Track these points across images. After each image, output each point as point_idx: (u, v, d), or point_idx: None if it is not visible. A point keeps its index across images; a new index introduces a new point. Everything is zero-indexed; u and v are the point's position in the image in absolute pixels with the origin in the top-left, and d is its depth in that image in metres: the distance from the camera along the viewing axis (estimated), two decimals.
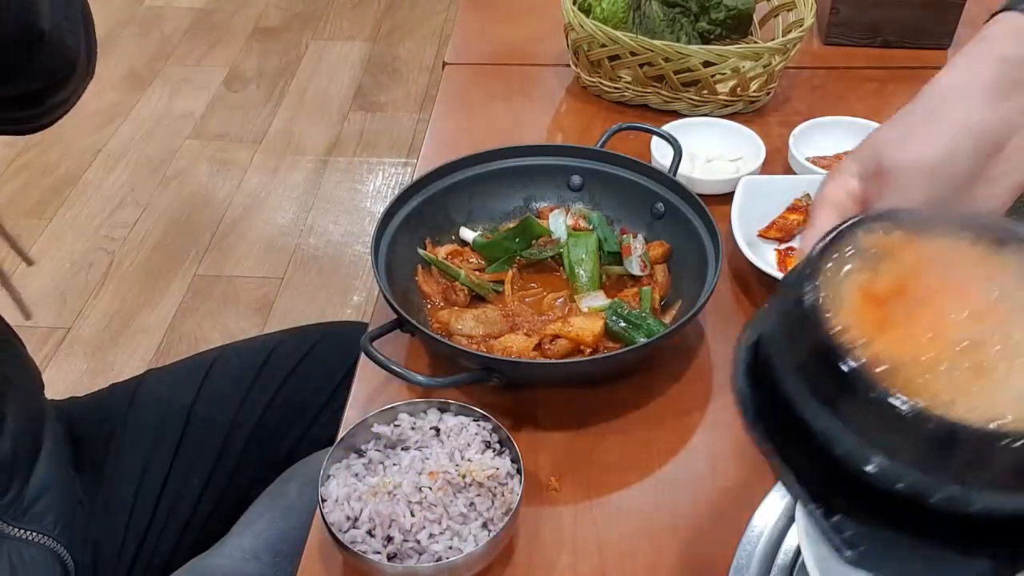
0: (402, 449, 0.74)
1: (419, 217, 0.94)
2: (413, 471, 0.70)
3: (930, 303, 0.46)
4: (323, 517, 0.68)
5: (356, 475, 0.72)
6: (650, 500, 0.75)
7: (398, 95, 2.92)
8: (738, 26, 1.24)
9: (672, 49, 1.09)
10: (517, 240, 0.93)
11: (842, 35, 1.30)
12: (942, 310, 0.45)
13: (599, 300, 0.88)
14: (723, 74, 1.12)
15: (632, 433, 0.80)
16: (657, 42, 1.10)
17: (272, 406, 1.03)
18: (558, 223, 0.95)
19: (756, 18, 1.27)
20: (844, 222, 0.49)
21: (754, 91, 1.15)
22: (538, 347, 0.83)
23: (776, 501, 0.71)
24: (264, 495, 0.95)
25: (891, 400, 0.40)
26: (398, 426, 0.74)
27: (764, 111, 1.18)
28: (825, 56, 1.30)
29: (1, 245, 0.86)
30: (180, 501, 0.97)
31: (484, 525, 0.68)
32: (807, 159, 1.06)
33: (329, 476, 0.72)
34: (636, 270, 0.91)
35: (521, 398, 0.83)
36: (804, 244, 0.54)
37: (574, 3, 1.17)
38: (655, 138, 1.05)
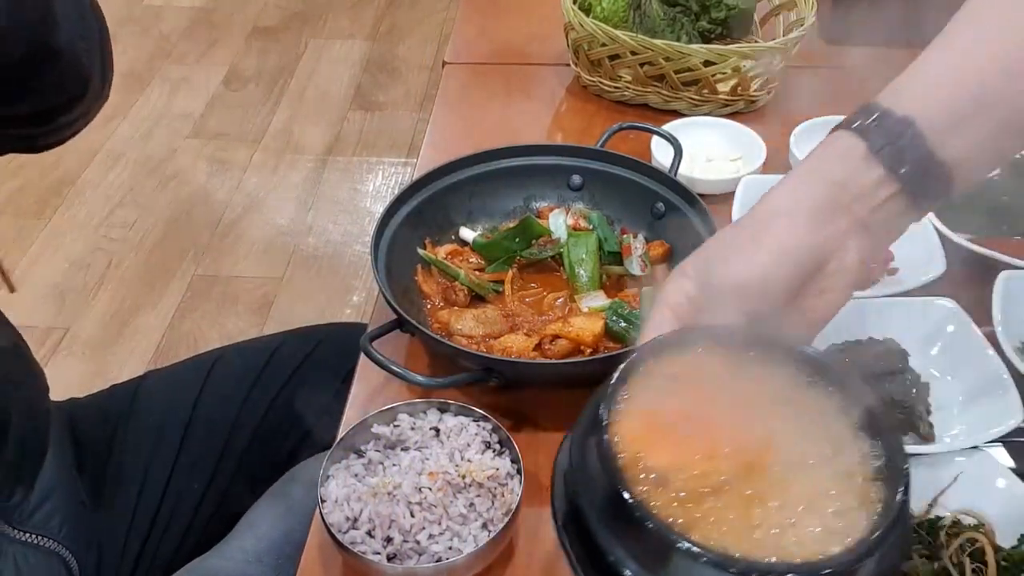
0: (402, 449, 0.73)
1: (419, 217, 0.93)
2: (413, 472, 0.70)
3: (704, 428, 0.53)
4: (323, 518, 0.68)
5: (356, 476, 0.71)
6: None
7: (398, 94, 2.92)
8: (739, 25, 1.24)
9: (672, 48, 1.09)
10: (517, 240, 0.93)
11: (843, 34, 1.30)
12: (711, 437, 0.52)
13: (599, 300, 0.88)
14: (723, 73, 1.12)
15: None
16: (657, 41, 1.10)
17: (274, 407, 1.03)
18: (558, 223, 0.94)
19: (757, 17, 1.27)
20: (641, 346, 0.56)
21: (755, 91, 1.15)
22: (538, 347, 0.83)
23: None
24: (266, 496, 0.95)
25: (650, 526, 0.47)
26: (398, 426, 0.74)
27: (764, 111, 1.18)
28: (826, 56, 1.29)
29: None
30: (182, 502, 0.97)
31: (484, 525, 0.68)
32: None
33: (329, 477, 0.72)
34: (636, 270, 0.91)
35: (521, 398, 0.83)
36: (640, 340, 0.59)
37: (574, 2, 1.17)
38: (655, 138, 1.05)
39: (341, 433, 0.76)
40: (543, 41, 1.31)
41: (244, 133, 2.74)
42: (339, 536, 0.67)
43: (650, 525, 0.47)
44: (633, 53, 1.11)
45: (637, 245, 0.92)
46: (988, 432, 0.73)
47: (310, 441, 1.02)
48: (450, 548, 0.67)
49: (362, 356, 0.81)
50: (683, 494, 0.49)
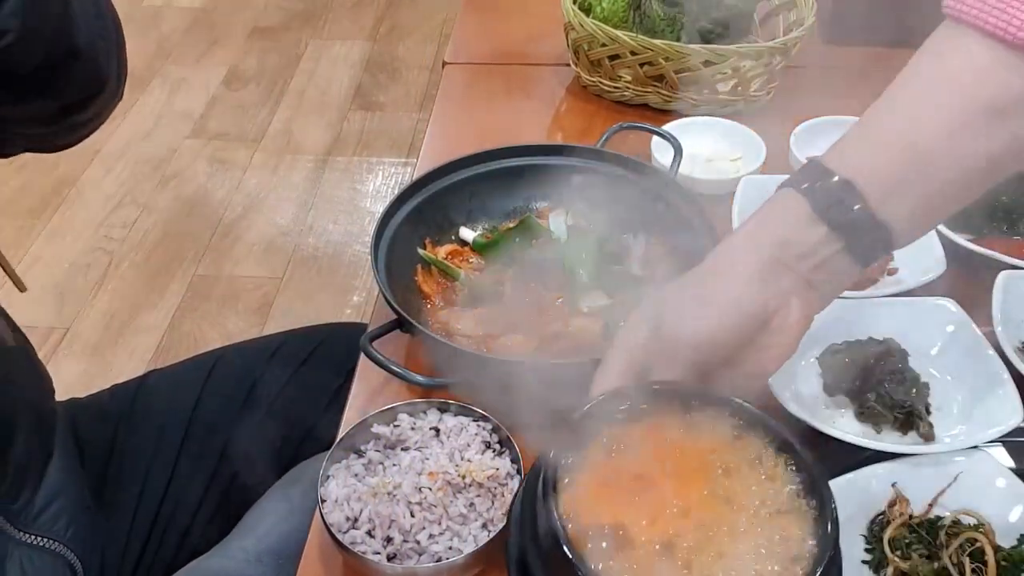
0: (402, 449, 0.73)
1: (419, 217, 0.93)
2: (413, 471, 0.70)
3: (651, 488, 0.56)
4: (323, 518, 0.68)
5: (356, 476, 0.71)
6: None
7: (398, 95, 2.92)
8: (739, 25, 1.24)
9: (672, 48, 1.09)
10: (517, 240, 0.93)
11: (843, 34, 1.30)
12: (659, 498, 0.55)
13: (599, 300, 0.88)
14: (723, 73, 1.12)
15: None
16: (657, 41, 1.10)
17: (275, 407, 1.03)
18: (558, 223, 0.94)
19: (757, 17, 1.27)
20: (588, 404, 0.59)
21: (754, 91, 1.15)
22: (538, 346, 0.83)
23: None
24: (267, 496, 0.95)
25: None
26: (398, 426, 0.74)
27: (764, 111, 1.18)
28: (826, 56, 1.29)
29: None
30: (183, 502, 0.97)
31: (484, 525, 0.68)
32: (808, 159, 1.05)
33: (329, 477, 0.72)
34: (636, 270, 0.91)
35: (522, 398, 0.82)
36: (595, 384, 0.62)
37: (574, 2, 1.17)
38: (655, 138, 1.05)
39: (341, 433, 0.76)
40: (543, 41, 1.31)
41: (244, 133, 2.74)
42: (339, 536, 0.67)
43: None
44: (633, 53, 1.11)
45: (637, 245, 0.92)
46: (988, 432, 0.73)
47: (310, 441, 1.02)
48: (450, 548, 0.67)
49: (362, 356, 0.81)
50: (629, 552, 0.52)
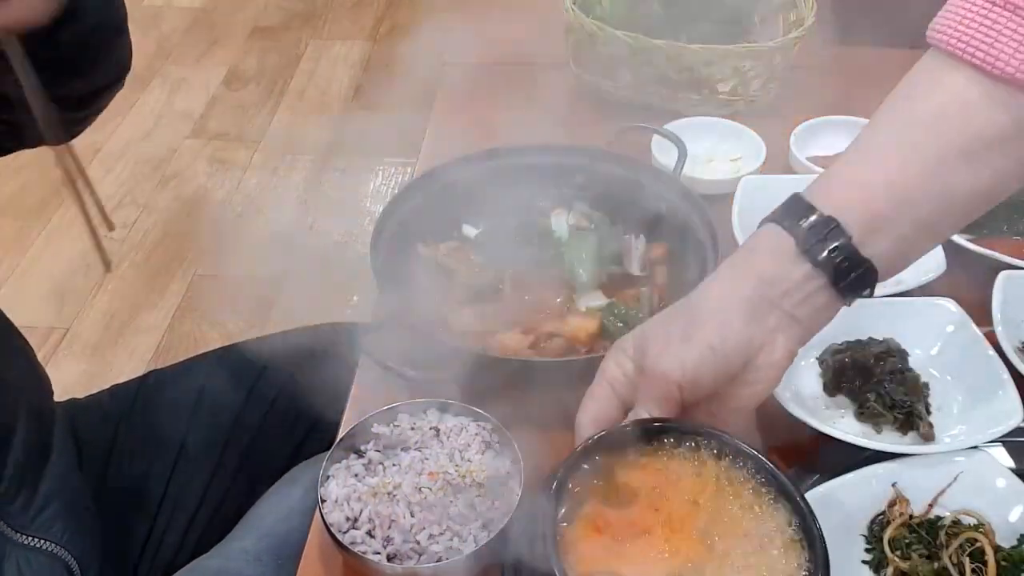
0: (402, 449, 0.73)
1: (419, 216, 0.93)
2: (413, 472, 0.70)
3: (644, 534, 0.56)
4: (323, 518, 0.68)
5: (356, 476, 0.71)
6: None
7: (398, 95, 2.91)
8: (739, 25, 1.24)
9: (672, 48, 1.09)
10: (517, 240, 0.93)
11: (843, 34, 1.30)
12: (650, 545, 0.56)
13: (598, 300, 0.88)
14: (723, 73, 1.12)
15: None
16: (658, 41, 1.10)
17: (275, 407, 1.03)
18: (558, 223, 0.94)
19: (757, 17, 1.27)
20: (579, 447, 0.60)
21: (755, 91, 1.15)
22: (533, 344, 0.83)
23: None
24: (267, 496, 0.95)
25: None
26: (398, 426, 0.74)
27: (764, 111, 1.18)
28: (826, 56, 1.29)
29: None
30: (183, 502, 0.97)
31: (484, 525, 0.68)
32: (808, 159, 1.06)
33: (329, 477, 0.72)
34: (636, 270, 0.91)
35: (521, 398, 0.82)
36: (579, 419, 0.63)
37: (574, 2, 1.17)
38: (656, 138, 1.04)
39: (341, 433, 0.76)
40: (543, 41, 1.31)
41: (244, 133, 2.74)
42: (339, 536, 0.67)
43: None
44: (633, 53, 1.11)
45: (637, 245, 0.92)
46: (988, 432, 0.73)
47: (310, 441, 1.02)
48: (450, 548, 0.67)
49: (362, 355, 0.81)
50: None
